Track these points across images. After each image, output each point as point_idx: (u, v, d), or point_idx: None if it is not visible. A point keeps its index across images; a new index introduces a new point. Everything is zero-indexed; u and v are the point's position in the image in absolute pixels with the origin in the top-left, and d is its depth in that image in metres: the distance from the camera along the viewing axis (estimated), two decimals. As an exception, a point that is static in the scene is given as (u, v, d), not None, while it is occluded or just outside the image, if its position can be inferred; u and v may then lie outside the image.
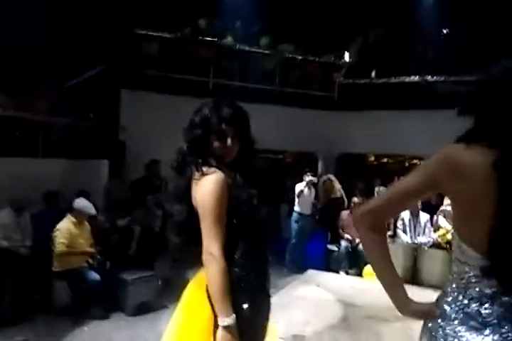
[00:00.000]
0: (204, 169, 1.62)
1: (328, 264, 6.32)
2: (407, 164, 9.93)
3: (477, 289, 1.18)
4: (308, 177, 6.58)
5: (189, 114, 1.75)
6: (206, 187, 1.58)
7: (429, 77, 8.50)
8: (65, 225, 4.41)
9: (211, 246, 1.53)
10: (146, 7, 6.63)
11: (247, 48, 7.54)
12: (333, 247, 6.63)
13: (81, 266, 4.31)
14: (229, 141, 1.67)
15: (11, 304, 4.08)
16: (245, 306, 1.56)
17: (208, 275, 1.53)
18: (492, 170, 1.10)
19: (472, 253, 1.17)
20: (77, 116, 6.23)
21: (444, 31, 8.89)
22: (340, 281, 5.53)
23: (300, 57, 7.96)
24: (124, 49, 6.71)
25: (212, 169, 1.62)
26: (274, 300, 1.82)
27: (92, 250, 4.51)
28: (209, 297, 1.54)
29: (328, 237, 6.77)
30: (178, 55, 7.12)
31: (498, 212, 1.10)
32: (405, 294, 1.31)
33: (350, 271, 6.23)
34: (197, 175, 1.63)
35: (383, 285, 1.30)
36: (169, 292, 4.40)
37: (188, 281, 1.73)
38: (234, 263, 1.58)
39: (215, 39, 7.29)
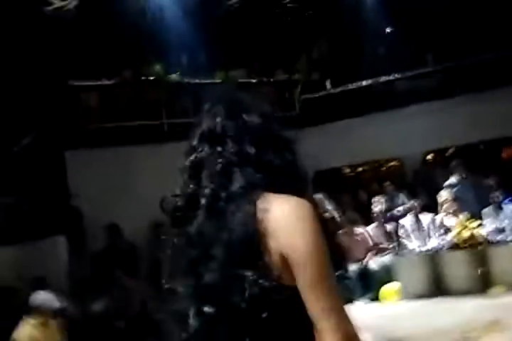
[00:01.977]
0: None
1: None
2: (384, 168, 9.53)
3: None
4: None
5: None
6: (302, 216, 0.92)
7: (382, 78, 8.41)
8: (25, 332, 3.51)
9: (341, 320, 0.89)
10: (76, 56, 6.00)
11: (196, 81, 6.93)
12: (340, 274, 5.94)
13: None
14: None
15: None
16: None
17: None
18: None
19: None
20: (18, 194, 5.35)
21: (387, 30, 8.86)
22: (366, 312, 4.79)
23: (254, 81, 7.52)
24: (61, 105, 5.98)
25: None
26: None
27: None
28: None
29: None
30: (122, 101, 6.49)
31: None
32: None
33: (365, 298, 5.57)
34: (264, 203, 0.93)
35: None
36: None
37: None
38: None
39: (160, 77, 6.67)
